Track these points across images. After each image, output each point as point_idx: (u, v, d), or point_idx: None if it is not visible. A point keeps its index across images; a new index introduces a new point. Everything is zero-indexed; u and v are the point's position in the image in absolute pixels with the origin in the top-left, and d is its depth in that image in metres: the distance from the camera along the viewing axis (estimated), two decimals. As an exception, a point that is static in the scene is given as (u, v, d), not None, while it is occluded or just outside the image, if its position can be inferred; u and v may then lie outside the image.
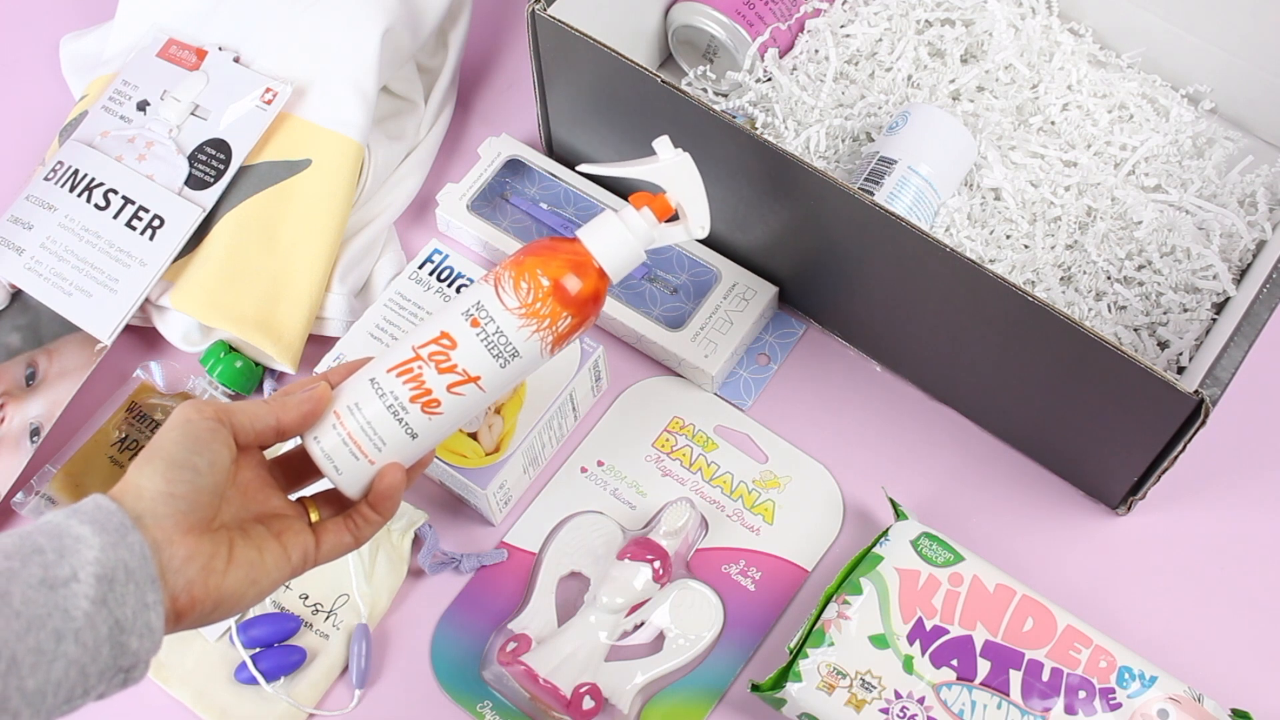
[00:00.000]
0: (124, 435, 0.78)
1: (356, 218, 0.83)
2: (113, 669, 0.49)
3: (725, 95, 0.89)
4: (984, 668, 0.67)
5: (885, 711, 0.66)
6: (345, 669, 0.73)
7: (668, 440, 0.78)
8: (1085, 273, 0.80)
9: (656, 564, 0.72)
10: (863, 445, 0.78)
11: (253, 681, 0.71)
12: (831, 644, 0.67)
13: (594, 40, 0.72)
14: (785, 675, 0.67)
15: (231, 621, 0.72)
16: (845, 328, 0.80)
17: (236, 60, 0.81)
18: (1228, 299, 0.77)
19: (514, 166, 0.86)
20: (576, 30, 0.72)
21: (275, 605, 0.73)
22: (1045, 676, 0.67)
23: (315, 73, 0.80)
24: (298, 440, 0.61)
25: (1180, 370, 0.76)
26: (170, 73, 0.81)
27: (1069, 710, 0.66)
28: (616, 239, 0.62)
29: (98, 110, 0.81)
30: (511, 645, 0.71)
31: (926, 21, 0.88)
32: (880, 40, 0.87)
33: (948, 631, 0.68)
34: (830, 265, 0.75)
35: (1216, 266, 0.77)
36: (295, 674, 0.72)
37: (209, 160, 0.78)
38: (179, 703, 0.72)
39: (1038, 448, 0.77)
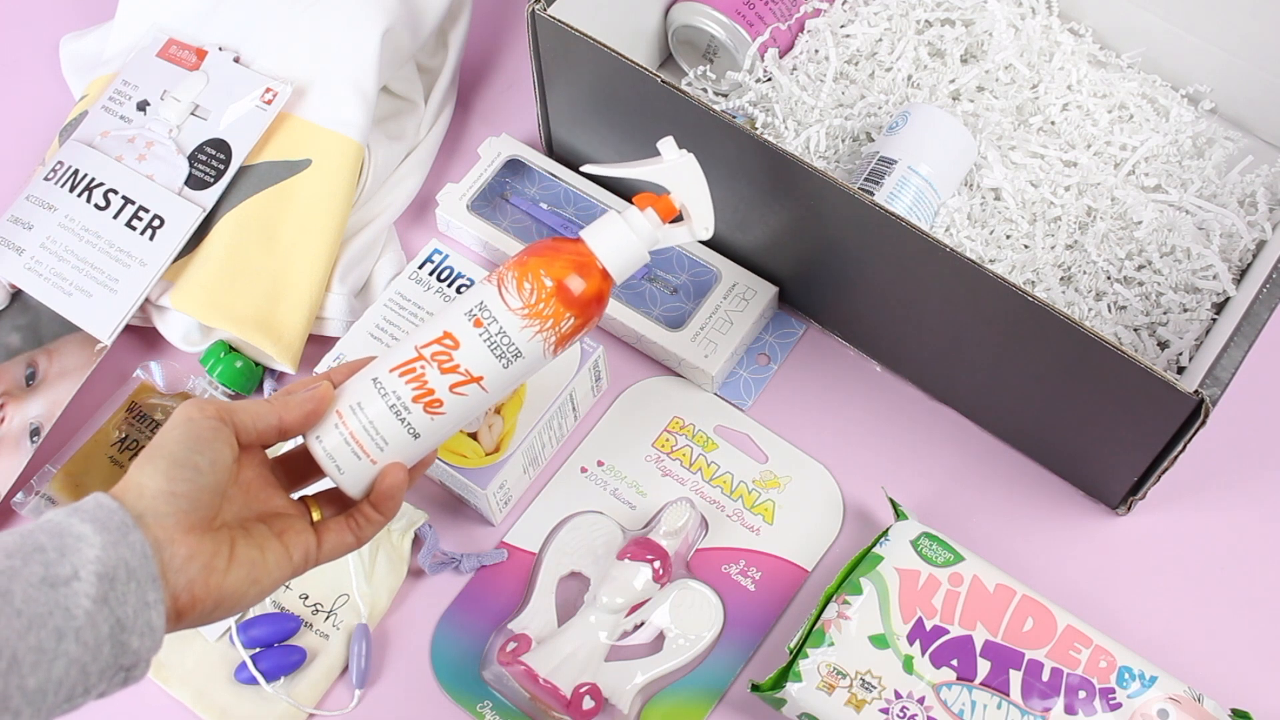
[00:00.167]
0: (124, 435, 0.78)
1: (356, 218, 0.83)
2: (114, 668, 0.49)
3: (725, 95, 0.89)
4: (984, 668, 0.67)
5: (885, 711, 0.66)
6: (345, 669, 0.73)
7: (668, 440, 0.78)
8: (1085, 273, 0.80)
9: (656, 564, 0.72)
10: (863, 445, 0.78)
11: (253, 681, 0.71)
12: (831, 644, 0.67)
13: (594, 40, 0.72)
14: (785, 675, 0.67)
15: (231, 621, 0.72)
16: (845, 328, 0.80)
17: (236, 60, 0.81)
18: (1228, 299, 0.77)
19: (514, 166, 0.86)
20: (576, 30, 0.72)
21: (275, 605, 0.73)
22: (1045, 676, 0.67)
23: (315, 73, 0.80)
24: (300, 439, 0.61)
25: (1180, 370, 0.76)
26: (170, 73, 0.81)
27: (1069, 710, 0.66)
28: (620, 240, 0.62)
29: (98, 110, 0.81)
30: (511, 645, 0.71)
31: (926, 21, 0.88)
32: (880, 40, 0.87)
33: (948, 631, 0.68)
34: (830, 265, 0.75)
35: (1216, 266, 0.77)
36: (295, 674, 0.72)
37: (209, 160, 0.78)
38: (179, 703, 0.72)
39: (1038, 448, 0.77)
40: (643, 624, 0.71)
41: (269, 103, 0.79)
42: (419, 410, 0.60)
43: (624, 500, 0.77)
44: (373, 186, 0.83)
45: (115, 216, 0.77)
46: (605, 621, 0.71)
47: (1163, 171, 0.83)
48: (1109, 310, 0.79)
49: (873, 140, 0.83)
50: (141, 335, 0.82)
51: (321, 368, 0.77)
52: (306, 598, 0.73)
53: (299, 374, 0.80)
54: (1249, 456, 0.78)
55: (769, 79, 0.86)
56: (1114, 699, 0.66)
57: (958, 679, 0.67)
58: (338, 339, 0.80)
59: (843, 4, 0.89)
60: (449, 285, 0.79)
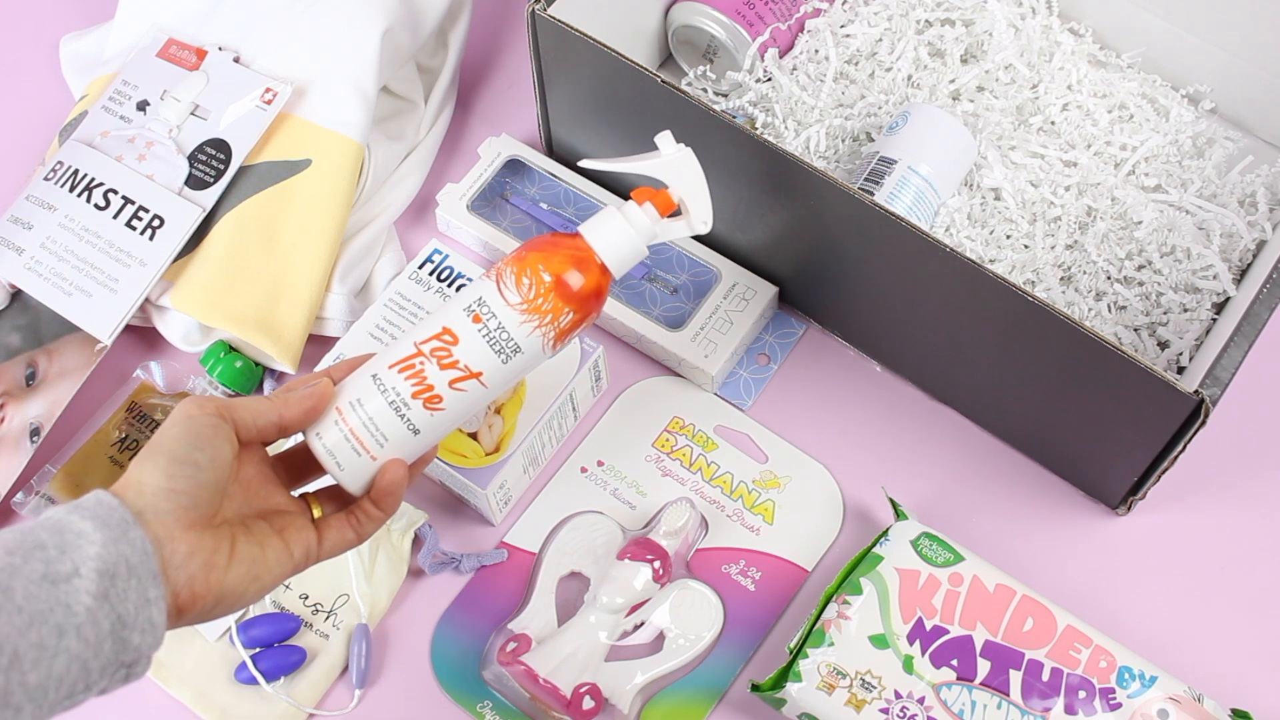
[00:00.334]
0: (124, 435, 0.78)
1: (356, 218, 0.83)
2: (114, 664, 0.50)
3: (725, 95, 0.89)
4: (984, 668, 0.67)
5: (885, 711, 0.66)
6: (345, 669, 0.73)
7: (668, 440, 0.78)
8: (1085, 273, 0.80)
9: (656, 564, 0.72)
10: (863, 445, 0.78)
11: (253, 681, 0.71)
12: (831, 644, 0.67)
13: (594, 40, 0.72)
14: (785, 675, 0.67)
15: (231, 621, 0.72)
16: (845, 328, 0.80)
17: (236, 60, 0.81)
18: (1228, 299, 0.77)
19: (514, 166, 0.86)
20: (576, 30, 0.72)
21: (275, 605, 0.73)
22: (1045, 676, 0.67)
23: (315, 73, 0.80)
24: (300, 436, 0.61)
25: (1180, 370, 0.76)
26: (170, 73, 0.81)
27: (1069, 710, 0.66)
28: (619, 234, 0.62)
29: (98, 110, 0.81)
30: (511, 645, 0.71)
31: (926, 21, 0.88)
32: (880, 40, 0.87)
33: (948, 631, 0.68)
34: (830, 265, 0.75)
35: (1216, 266, 0.77)
36: (295, 674, 0.72)
37: (209, 160, 0.78)
38: (179, 703, 0.72)
39: (1038, 448, 0.77)
40: (643, 624, 0.71)
41: (269, 103, 0.79)
42: (419, 406, 0.60)
43: (624, 500, 0.77)
44: (373, 186, 0.83)
45: (115, 216, 0.77)
46: (605, 621, 0.71)
47: (1163, 171, 0.83)
48: (1109, 310, 0.79)
49: (873, 140, 0.83)
50: (141, 335, 0.82)
51: (321, 368, 0.77)
52: (306, 598, 0.73)
53: (299, 374, 0.80)
54: (1249, 456, 0.78)
55: (769, 79, 0.86)
56: (1114, 699, 0.66)
57: (958, 679, 0.67)
58: (338, 339, 0.80)
59: (843, 4, 0.89)
60: (449, 285, 0.79)
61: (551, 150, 0.87)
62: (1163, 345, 0.78)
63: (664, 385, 0.80)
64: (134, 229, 0.76)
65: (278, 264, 0.77)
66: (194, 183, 0.78)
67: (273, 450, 0.62)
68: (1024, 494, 0.77)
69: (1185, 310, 0.78)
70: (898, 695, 0.66)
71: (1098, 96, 0.85)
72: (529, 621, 0.72)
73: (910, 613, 0.68)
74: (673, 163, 0.64)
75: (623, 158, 0.66)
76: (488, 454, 0.73)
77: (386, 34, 0.80)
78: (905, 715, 0.66)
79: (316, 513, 0.60)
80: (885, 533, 0.71)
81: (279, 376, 0.80)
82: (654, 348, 0.80)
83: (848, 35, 0.87)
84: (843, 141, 0.85)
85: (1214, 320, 0.77)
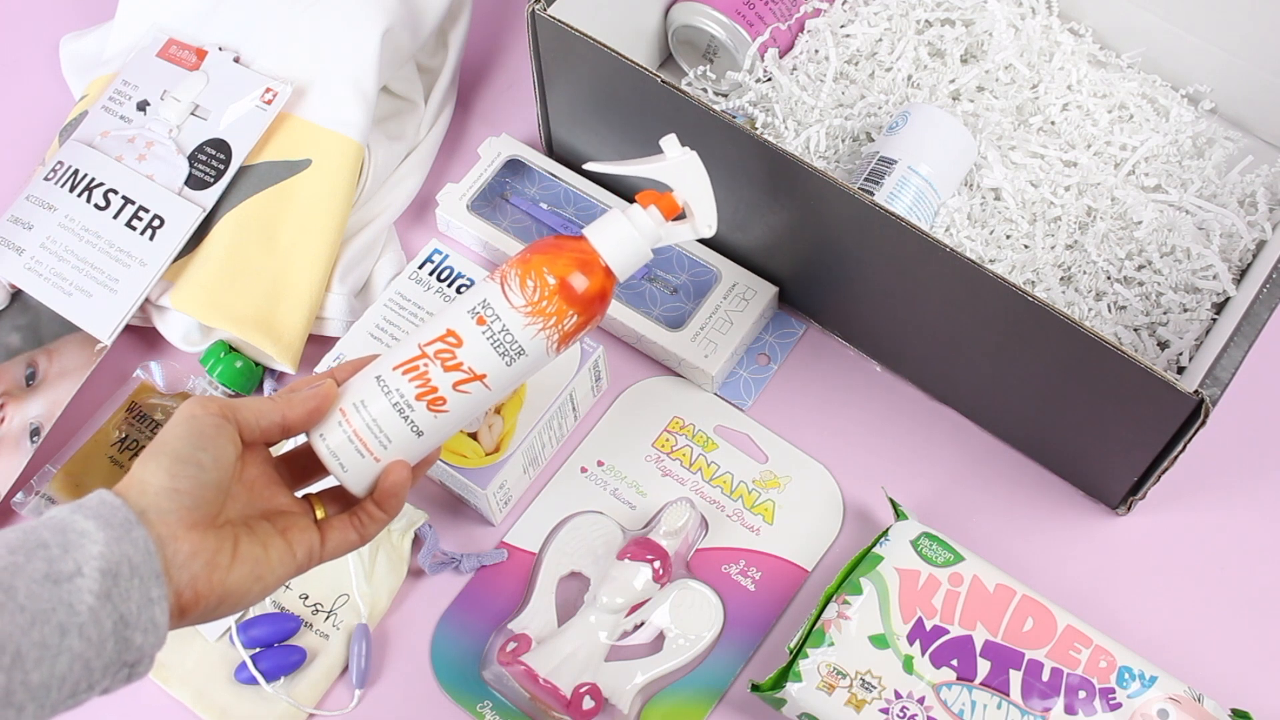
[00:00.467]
0: (124, 435, 0.78)
1: (356, 218, 0.83)
2: (117, 664, 0.50)
3: (725, 95, 0.89)
4: (984, 668, 0.67)
5: (885, 711, 0.66)
6: (345, 669, 0.73)
7: (668, 440, 0.78)
8: (1085, 273, 0.80)
9: (656, 564, 0.72)
10: (863, 445, 0.78)
11: (253, 681, 0.71)
12: (831, 644, 0.67)
13: (594, 40, 0.72)
14: (785, 675, 0.67)
15: (231, 621, 0.72)
16: (845, 328, 0.80)
17: (236, 60, 0.81)
18: (1228, 299, 0.77)
19: (514, 166, 0.86)
20: (576, 30, 0.72)
21: (275, 605, 0.73)
22: (1045, 676, 0.67)
23: (315, 73, 0.80)
24: (304, 437, 0.61)
25: (1180, 370, 0.76)
26: (170, 73, 0.81)
27: (1069, 710, 0.66)
28: (623, 237, 0.62)
29: (98, 110, 0.81)
30: (511, 645, 0.71)
31: (926, 21, 0.88)
32: (880, 40, 0.87)
33: (948, 631, 0.68)
34: (830, 265, 0.75)
35: (1216, 266, 0.77)
36: (295, 674, 0.72)
37: (209, 160, 0.78)
38: (179, 703, 0.72)
39: (1038, 448, 0.77)
40: (643, 624, 0.71)
41: (269, 103, 0.79)
42: (422, 408, 0.60)
43: (624, 500, 0.77)
44: (373, 186, 0.83)
45: (115, 216, 0.77)
46: (605, 621, 0.71)
47: (1163, 171, 0.83)
48: (1109, 310, 0.79)
49: (873, 140, 0.83)
50: (141, 335, 0.82)
51: (321, 368, 0.77)
52: (306, 598, 0.73)
53: (299, 374, 0.80)
54: (1249, 456, 0.78)
55: (769, 79, 0.86)
56: (1114, 699, 0.66)
57: (958, 679, 0.67)
58: (338, 339, 0.80)
59: (843, 4, 0.89)
60: (449, 285, 0.79)
61: (551, 150, 0.87)
62: (1163, 345, 0.78)
63: (664, 385, 0.80)
64: (134, 229, 0.76)
65: (278, 264, 0.77)
66: (194, 183, 0.78)
67: (276, 451, 0.63)
68: (1024, 494, 0.77)
69: (1185, 310, 0.78)
70: (898, 695, 0.66)
71: (1098, 96, 0.85)
72: (529, 621, 0.72)
73: (910, 613, 0.68)
74: (678, 166, 0.64)
75: (627, 160, 0.66)
76: (488, 454, 0.73)
77: (386, 34, 0.80)
78: (905, 715, 0.66)
79: (320, 514, 0.60)
80: (885, 533, 0.71)
81: (279, 376, 0.80)
82: (654, 348, 0.80)
83: (848, 35, 0.87)
84: (843, 141, 0.85)
85: (1214, 320, 0.77)
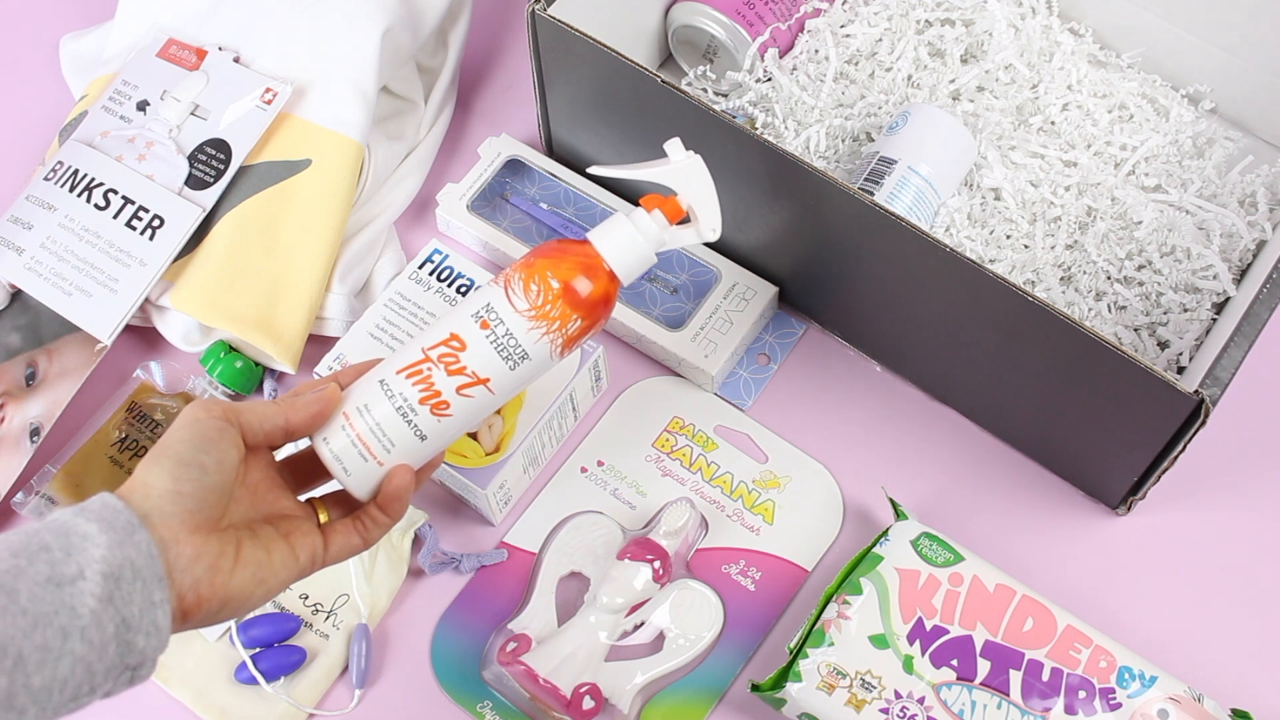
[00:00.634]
0: (124, 435, 0.78)
1: (356, 218, 0.83)
2: (119, 667, 0.50)
3: (725, 95, 0.89)
4: (984, 668, 0.67)
5: (885, 711, 0.66)
6: (345, 669, 0.73)
7: (668, 440, 0.78)
8: (1085, 273, 0.80)
9: (656, 564, 0.72)
10: (863, 445, 0.78)
11: (253, 681, 0.71)
12: (831, 644, 0.67)
13: (594, 40, 0.72)
14: (785, 675, 0.67)
15: (232, 621, 0.72)
16: (845, 328, 0.80)
17: (236, 60, 0.81)
18: (1228, 299, 0.78)
19: (514, 166, 0.86)
20: (576, 30, 0.72)
21: (275, 605, 0.73)
22: (1045, 676, 0.67)
23: (315, 73, 0.80)
24: (307, 441, 0.61)
25: (1180, 370, 0.76)
26: (170, 73, 0.81)
27: (1069, 710, 0.66)
28: (627, 241, 0.62)
29: (98, 110, 0.81)
30: (511, 645, 0.71)
31: (926, 21, 0.88)
32: (880, 40, 0.87)
33: (948, 631, 0.68)
34: (830, 265, 0.75)
35: (1216, 266, 0.77)
36: (295, 674, 0.72)
37: (209, 160, 0.78)
38: (179, 703, 0.72)
39: (1038, 448, 0.77)
40: (643, 624, 0.71)
41: (269, 103, 0.79)
42: (426, 412, 0.60)
43: (624, 500, 0.77)
44: (373, 186, 0.83)
45: (115, 216, 0.77)
46: (605, 621, 0.71)
47: (1163, 171, 0.83)
48: (1109, 310, 0.79)
49: (873, 140, 0.83)
50: (141, 335, 0.82)
51: (322, 368, 0.77)
52: (306, 598, 0.73)
53: (299, 374, 0.80)
54: (1249, 456, 0.78)
55: (769, 79, 0.86)
56: (1114, 699, 0.66)
57: (958, 679, 0.67)
58: (338, 339, 0.80)
59: (843, 4, 0.89)
60: (449, 285, 0.79)
61: (551, 150, 0.87)
62: (1163, 345, 0.78)
63: (664, 385, 0.80)
64: (134, 229, 0.76)
65: (278, 264, 0.77)
66: (194, 183, 0.78)
67: (280, 455, 0.63)
68: (1024, 494, 0.77)
69: (1185, 310, 0.78)
70: (898, 695, 0.66)
71: (1098, 96, 0.85)
72: (529, 621, 0.72)
73: (910, 613, 0.68)
74: (682, 169, 0.64)
75: (632, 164, 0.65)
76: (488, 454, 0.73)
77: (386, 34, 0.80)
78: (905, 715, 0.66)
79: (323, 518, 0.60)
80: (885, 533, 0.71)
81: (279, 377, 0.80)
82: (654, 348, 0.80)
83: (848, 35, 0.87)
84: (843, 141, 0.85)
85: (1214, 320, 0.77)
